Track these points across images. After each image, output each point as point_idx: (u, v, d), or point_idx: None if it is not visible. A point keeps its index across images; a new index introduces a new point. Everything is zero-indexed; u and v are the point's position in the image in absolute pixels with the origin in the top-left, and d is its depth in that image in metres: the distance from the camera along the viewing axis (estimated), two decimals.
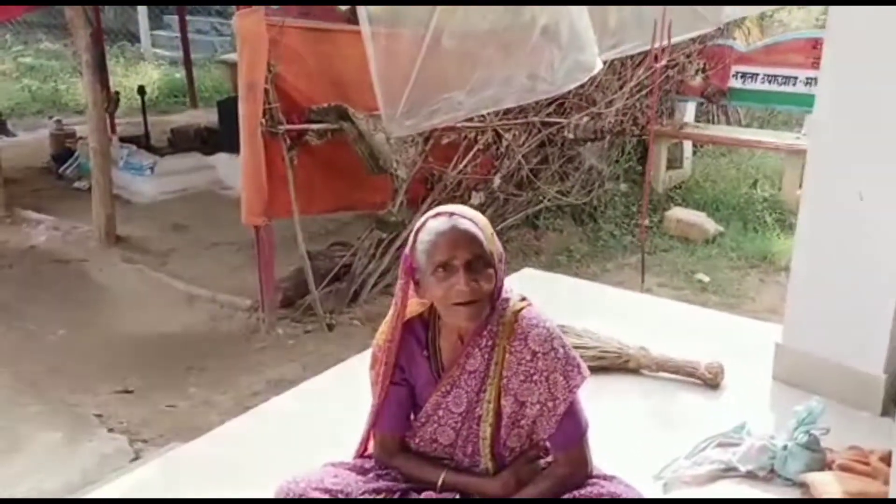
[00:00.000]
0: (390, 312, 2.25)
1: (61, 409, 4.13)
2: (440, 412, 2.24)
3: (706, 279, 5.70)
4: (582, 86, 5.54)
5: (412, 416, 2.32)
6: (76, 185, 7.79)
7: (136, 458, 3.71)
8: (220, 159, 7.94)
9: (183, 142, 8.63)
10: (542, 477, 2.21)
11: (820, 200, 3.00)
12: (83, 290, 5.66)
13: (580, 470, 2.20)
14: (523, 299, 2.23)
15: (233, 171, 7.70)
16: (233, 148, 7.62)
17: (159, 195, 7.49)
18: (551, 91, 4.81)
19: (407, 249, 2.17)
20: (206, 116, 10.07)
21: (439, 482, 2.23)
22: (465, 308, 2.07)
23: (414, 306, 2.26)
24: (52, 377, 4.45)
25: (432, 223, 2.12)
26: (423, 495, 2.22)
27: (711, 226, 6.43)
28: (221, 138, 8.21)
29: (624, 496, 2.08)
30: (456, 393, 2.21)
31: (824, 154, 2.97)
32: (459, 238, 2.07)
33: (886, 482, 2.43)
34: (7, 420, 3.99)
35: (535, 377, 2.14)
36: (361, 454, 2.40)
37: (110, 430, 3.96)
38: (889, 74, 2.76)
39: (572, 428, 2.18)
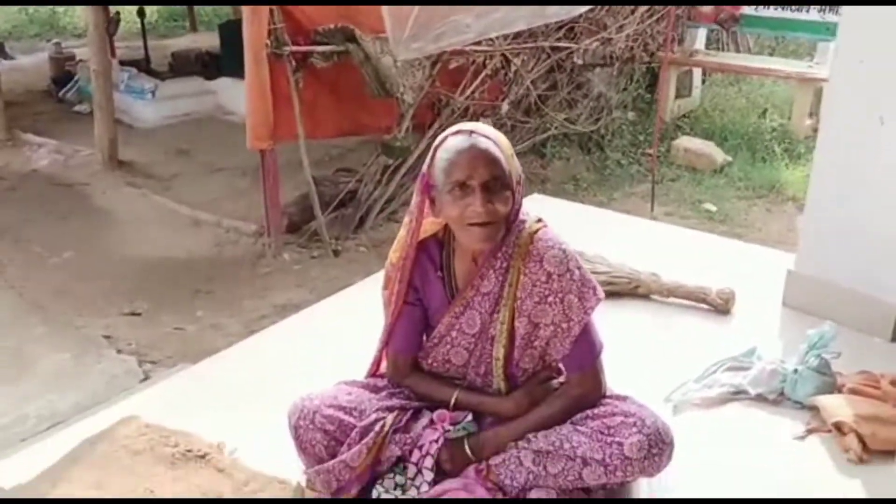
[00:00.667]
0: (403, 231, 2.24)
1: (69, 331, 4.13)
2: (453, 333, 2.24)
3: (713, 209, 5.67)
4: (592, 10, 5.44)
5: (425, 337, 2.32)
6: (76, 108, 7.71)
7: (145, 379, 3.73)
8: (222, 84, 7.85)
9: (183, 66, 8.52)
10: (555, 396, 2.22)
11: (839, 126, 2.95)
12: (87, 213, 5.63)
13: (594, 390, 2.21)
14: (539, 220, 2.21)
15: (235, 95, 7.63)
16: (235, 72, 7.55)
17: (161, 120, 7.41)
18: (562, 14, 4.70)
19: (425, 166, 2.14)
20: (207, 40, 9.92)
21: (452, 401, 2.24)
22: (481, 229, 2.05)
23: (429, 226, 2.24)
24: (59, 299, 4.45)
25: (452, 140, 2.09)
26: (435, 414, 2.24)
27: (719, 155, 6.36)
28: (223, 62, 8.11)
29: (637, 415, 2.08)
30: (469, 314, 2.21)
31: (845, 79, 2.91)
32: (478, 157, 2.04)
33: None
34: (15, 341, 4.00)
35: (549, 298, 2.13)
36: (374, 373, 2.41)
37: (119, 352, 3.97)
38: None
39: (586, 349, 2.18)
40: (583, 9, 4.68)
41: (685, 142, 6.52)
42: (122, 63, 7.93)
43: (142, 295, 4.53)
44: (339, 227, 5.09)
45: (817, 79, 6.63)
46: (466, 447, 2.20)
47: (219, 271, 4.83)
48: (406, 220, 2.23)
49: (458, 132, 2.11)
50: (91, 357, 3.90)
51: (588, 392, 2.20)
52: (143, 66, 8.31)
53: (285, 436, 2.21)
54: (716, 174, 6.23)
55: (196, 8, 11.43)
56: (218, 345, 4.01)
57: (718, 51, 7.90)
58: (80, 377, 3.72)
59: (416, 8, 4.35)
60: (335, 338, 3.06)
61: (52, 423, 3.37)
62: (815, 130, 6.75)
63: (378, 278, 3.69)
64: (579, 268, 2.15)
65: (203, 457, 2.38)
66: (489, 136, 2.09)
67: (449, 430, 2.20)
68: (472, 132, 2.10)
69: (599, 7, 5.46)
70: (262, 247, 5.01)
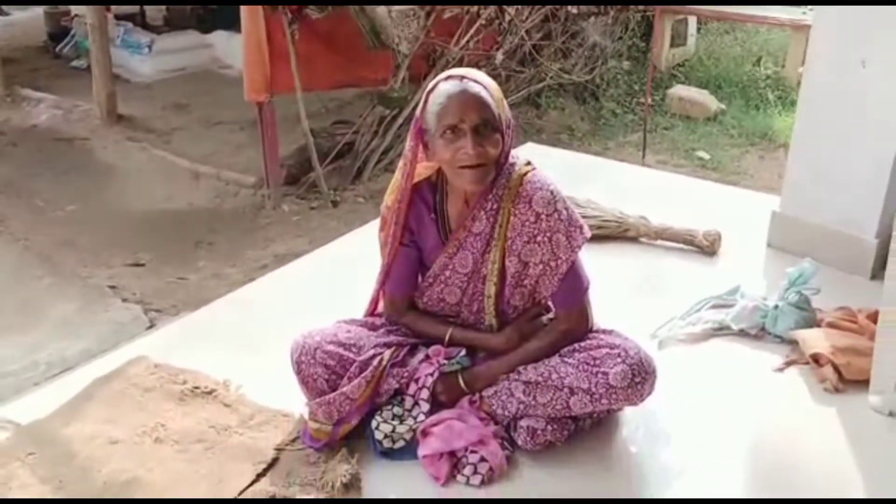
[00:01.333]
0: (397, 174, 2.32)
1: (75, 282, 4.25)
2: (447, 272, 2.34)
3: (706, 156, 5.75)
4: None
5: (420, 277, 2.42)
6: (74, 63, 7.73)
7: (151, 327, 3.85)
8: (219, 37, 7.86)
9: (179, 20, 8.49)
10: (544, 332, 2.32)
11: (822, 69, 3.02)
12: (88, 167, 5.72)
13: (581, 325, 2.31)
14: (528, 163, 2.30)
15: (231, 48, 7.66)
16: (231, 25, 7.57)
17: (158, 74, 7.45)
18: None
19: (417, 111, 2.22)
20: None
21: (446, 337, 2.35)
22: (471, 171, 2.14)
23: (422, 170, 2.33)
24: (64, 251, 4.56)
25: (443, 86, 2.17)
26: (430, 349, 2.34)
27: (713, 103, 6.42)
28: (218, 15, 8.09)
29: (621, 347, 2.19)
30: (462, 254, 2.30)
31: (827, 23, 2.97)
32: (469, 102, 2.12)
33: (872, 338, 2.54)
34: (24, 292, 4.11)
35: (538, 238, 2.23)
36: (371, 313, 2.52)
37: (124, 301, 4.09)
38: None
39: (574, 286, 2.29)
40: None
41: (680, 90, 6.57)
42: (117, 18, 7.94)
43: (144, 246, 4.63)
44: (338, 179, 5.18)
45: (810, 26, 6.64)
46: (461, 380, 2.31)
47: (219, 223, 4.93)
48: (400, 164, 2.31)
49: (449, 77, 2.19)
50: (97, 306, 4.01)
51: (575, 327, 2.31)
52: (138, 20, 8.30)
53: (287, 373, 2.31)
54: (709, 122, 6.30)
55: None
56: (220, 293, 4.10)
57: None
58: (87, 325, 3.84)
59: None
60: (333, 282, 3.15)
61: (63, 369, 3.50)
62: None
63: (373, 225, 3.82)
64: (567, 208, 2.24)
65: (210, 393, 2.49)
66: (479, 81, 2.17)
67: (444, 364, 2.31)
68: (462, 77, 2.17)
69: None
70: (262, 198, 5.11)
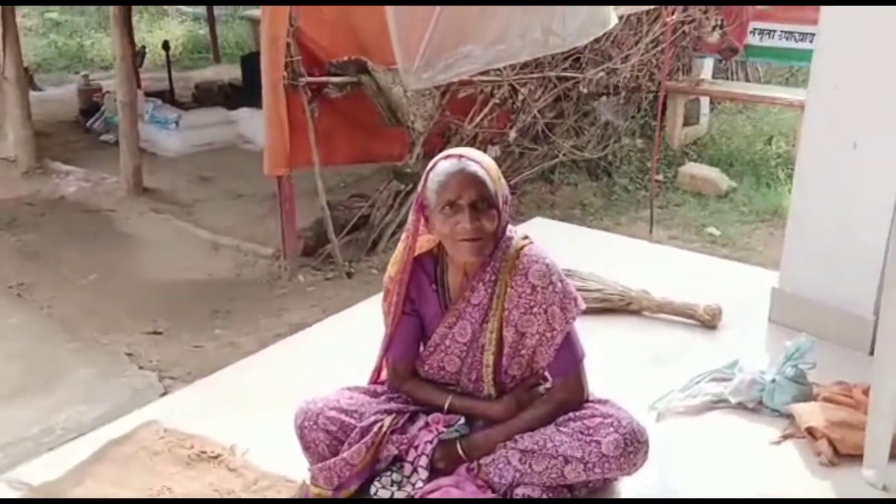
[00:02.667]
0: (400, 247, 2.43)
1: (95, 348, 4.34)
2: (447, 342, 2.42)
3: (717, 233, 5.82)
4: (597, 40, 5.63)
5: (422, 346, 2.50)
6: (103, 137, 7.95)
7: (165, 393, 3.93)
8: (243, 114, 8.07)
9: (207, 97, 8.77)
10: (541, 401, 2.40)
11: (816, 149, 3.12)
12: (112, 238, 5.86)
13: (576, 395, 2.38)
14: (525, 238, 2.41)
15: (255, 125, 7.84)
16: (256, 103, 7.74)
17: (184, 148, 7.64)
18: (563, 46, 4.90)
19: (419, 187, 2.34)
20: (230, 72, 10.18)
21: (446, 405, 2.42)
22: (470, 244, 2.25)
23: (424, 243, 2.44)
24: (86, 318, 4.66)
25: (443, 164, 2.29)
26: (430, 417, 2.41)
27: (724, 181, 6.51)
28: (244, 93, 8.34)
29: (614, 416, 2.25)
30: (461, 324, 2.39)
31: (821, 104, 3.08)
32: (466, 180, 2.24)
33: (867, 413, 2.58)
34: (45, 356, 4.21)
35: (534, 309, 2.32)
36: (375, 380, 2.60)
37: (141, 368, 4.17)
38: (885, 28, 2.86)
39: (569, 356, 2.36)
40: (584, 40, 4.87)
41: (691, 168, 6.69)
42: (147, 94, 8.20)
43: (164, 314, 4.73)
44: (353, 250, 5.29)
45: None
46: (459, 448, 2.37)
47: (237, 292, 5.03)
48: (403, 236, 2.42)
49: (448, 156, 2.32)
50: (115, 372, 4.10)
51: (571, 397, 2.38)
52: (167, 97, 8.56)
53: (292, 438, 2.39)
54: (720, 199, 6.38)
55: (220, 41, 11.75)
56: (234, 361, 4.22)
57: (727, 80, 8.08)
58: (105, 390, 3.91)
59: (426, 40, 4.57)
60: (342, 349, 3.24)
61: (78, 435, 3.59)
62: None
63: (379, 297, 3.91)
64: (561, 281, 2.34)
65: (216, 457, 2.56)
66: (477, 160, 2.29)
67: (443, 432, 2.37)
68: (461, 156, 2.30)
69: (603, 38, 5.65)
70: (279, 269, 5.21)
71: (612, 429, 2.22)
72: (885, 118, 2.90)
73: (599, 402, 2.39)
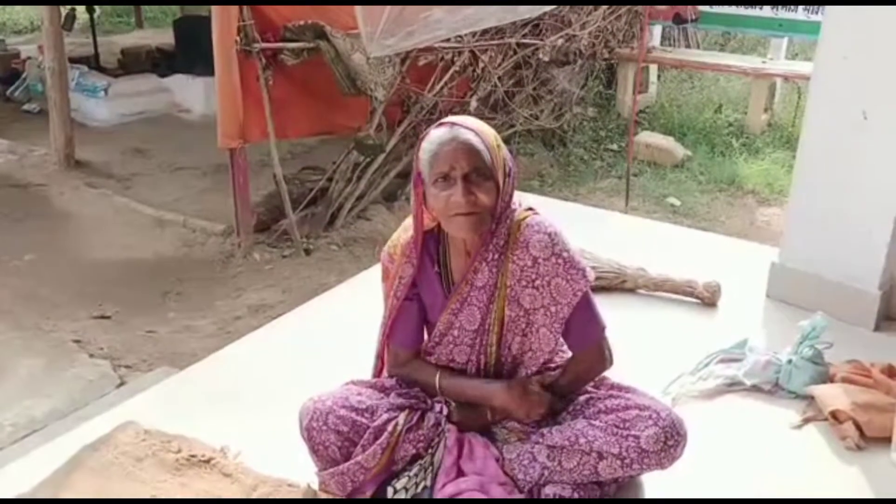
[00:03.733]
0: (406, 224, 2.23)
1: (39, 336, 4.04)
2: (454, 332, 2.24)
3: (677, 203, 5.77)
4: (558, 7, 5.47)
5: (426, 335, 2.31)
6: (25, 107, 7.52)
7: (121, 384, 3.66)
8: (177, 81, 7.73)
9: (134, 63, 8.37)
10: (561, 374, 2.26)
11: (822, 121, 3.01)
12: (46, 215, 5.50)
13: (598, 363, 2.25)
14: (529, 209, 2.22)
15: (190, 93, 7.55)
16: (190, 69, 7.47)
17: (115, 118, 7.27)
18: (532, 11, 4.73)
19: (414, 161, 2.14)
20: (156, 37, 9.75)
21: (437, 383, 2.25)
22: (464, 218, 2.06)
23: (426, 222, 2.24)
24: (25, 303, 4.34)
25: (434, 133, 2.10)
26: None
27: (679, 150, 6.47)
28: (178, 59, 7.98)
29: (652, 408, 2.11)
30: (469, 311, 2.21)
31: (829, 75, 2.97)
32: (459, 149, 2.04)
33: (889, 393, 2.51)
34: None
35: (536, 283, 2.14)
36: (380, 372, 2.40)
37: (91, 356, 3.89)
38: None
39: (588, 326, 2.22)
40: (550, 7, 4.70)
41: (646, 137, 6.62)
42: (71, 61, 7.72)
43: (110, 298, 4.44)
44: (310, 226, 5.05)
45: (772, 74, 6.78)
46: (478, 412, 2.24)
47: (188, 272, 4.76)
48: (410, 217, 2.22)
49: (441, 124, 2.12)
50: (63, 362, 3.81)
51: (592, 366, 2.25)
52: (92, 63, 8.12)
53: (287, 438, 2.20)
54: (677, 169, 6.34)
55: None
56: (192, 346, 3.97)
57: (671, 46, 8.03)
58: (55, 383, 3.64)
59: (389, 5, 4.33)
60: (316, 339, 3.05)
61: (30, 431, 3.30)
62: (771, 125, 6.97)
63: (356, 279, 3.71)
64: (567, 250, 2.14)
65: (207, 461, 2.33)
66: (472, 128, 2.09)
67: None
68: (454, 124, 2.10)
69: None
70: (232, 247, 4.95)
71: (650, 422, 2.08)
72: (895, 89, 2.81)
73: (625, 389, 2.25)
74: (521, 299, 2.16)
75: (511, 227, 2.16)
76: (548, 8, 4.86)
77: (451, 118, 2.16)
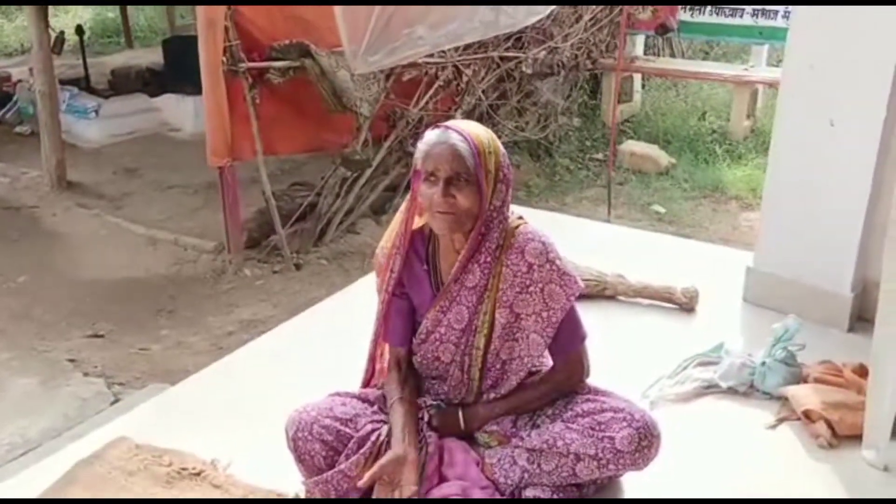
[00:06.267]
0: (398, 218, 2.32)
1: (33, 355, 4.10)
2: (441, 329, 2.31)
3: (662, 210, 5.84)
4: (540, 20, 5.56)
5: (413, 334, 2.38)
6: (17, 129, 7.58)
7: (116, 401, 3.72)
8: (167, 100, 7.80)
9: (124, 83, 8.43)
10: (540, 381, 2.33)
11: (791, 128, 3.09)
12: (39, 236, 5.56)
13: (577, 373, 2.33)
14: (520, 218, 2.31)
15: (180, 112, 7.62)
16: (179, 88, 7.54)
17: (106, 138, 7.33)
18: (514, 25, 4.82)
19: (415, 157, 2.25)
20: (146, 56, 9.81)
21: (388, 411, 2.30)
22: (442, 216, 2.16)
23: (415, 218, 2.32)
24: (19, 323, 4.41)
25: (429, 134, 2.21)
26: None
27: (664, 158, 6.55)
28: (167, 79, 8.04)
29: (626, 410, 2.18)
30: (457, 309, 2.28)
31: (796, 82, 3.05)
32: (444, 153, 2.14)
33: (860, 392, 2.58)
34: None
35: (530, 288, 2.23)
36: (367, 383, 2.46)
37: (85, 374, 3.95)
38: (860, 5, 2.85)
39: (571, 334, 2.30)
40: (534, 18, 4.78)
41: (631, 145, 6.70)
42: (62, 82, 7.79)
43: (103, 316, 4.50)
44: (300, 241, 5.12)
45: (753, 81, 6.88)
46: (460, 416, 2.31)
47: (180, 289, 4.82)
48: (403, 207, 2.32)
49: (437, 126, 2.22)
50: (59, 381, 3.87)
51: (571, 377, 2.32)
52: (83, 84, 8.18)
53: (275, 450, 2.26)
54: (661, 176, 6.42)
55: (132, 24, 11.28)
56: (185, 363, 4.03)
57: (655, 56, 8.12)
58: (49, 401, 3.69)
59: (372, 22, 4.41)
60: (306, 351, 3.10)
61: (25, 450, 3.36)
62: (753, 131, 7.06)
63: (345, 293, 3.77)
64: (559, 259, 2.25)
65: (198, 474, 2.39)
66: (462, 132, 2.17)
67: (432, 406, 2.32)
68: (447, 128, 2.19)
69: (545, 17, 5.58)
70: (223, 263, 5.01)
71: (624, 423, 2.15)
72: (861, 95, 2.89)
73: (601, 393, 2.32)
74: (513, 305, 2.24)
75: (505, 232, 2.24)
76: (530, 21, 4.93)
77: (450, 122, 2.25)
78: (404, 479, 2.13)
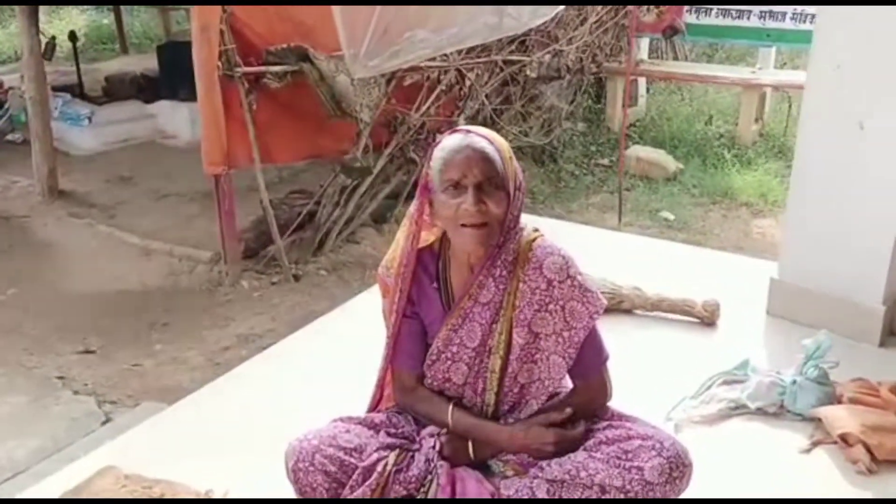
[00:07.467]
0: (400, 236, 2.17)
1: (21, 373, 3.94)
2: (453, 348, 2.15)
3: (671, 217, 5.69)
4: (544, 22, 5.42)
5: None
6: (9, 137, 7.41)
7: (107, 421, 3.56)
8: (161, 107, 7.65)
9: (118, 90, 8.27)
10: (561, 405, 2.15)
11: (817, 132, 2.95)
12: (29, 246, 5.39)
13: (599, 396, 2.18)
14: (536, 230, 2.15)
15: (175, 119, 7.46)
16: (174, 95, 7.39)
17: (99, 146, 7.17)
18: (518, 28, 4.67)
19: (425, 168, 2.07)
20: (140, 63, 9.64)
21: (449, 419, 2.15)
22: (473, 230, 2.00)
23: (424, 236, 2.17)
24: (7, 338, 4.25)
25: (447, 140, 2.05)
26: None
27: (671, 163, 6.40)
28: (161, 85, 7.90)
29: (654, 438, 2.02)
30: (469, 326, 2.12)
31: (822, 85, 2.90)
32: (472, 157, 1.98)
33: None
34: None
35: (550, 307, 2.07)
36: (374, 407, 2.30)
37: (76, 392, 3.79)
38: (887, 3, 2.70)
39: (593, 356, 2.15)
40: (538, 21, 4.64)
41: (637, 151, 6.55)
42: (54, 89, 7.63)
43: (94, 331, 4.34)
44: (298, 251, 4.96)
45: (761, 84, 6.73)
46: (469, 445, 2.14)
47: (175, 302, 4.66)
48: (405, 223, 2.15)
49: (454, 132, 2.07)
50: (47, 400, 3.71)
51: (592, 398, 2.17)
52: (76, 91, 8.02)
53: (271, 478, 2.13)
54: (669, 182, 6.27)
55: (127, 30, 11.13)
56: (179, 379, 3.87)
57: (659, 59, 7.99)
58: (38, 421, 3.53)
59: (373, 24, 4.27)
60: (310, 372, 2.95)
61: (13, 473, 3.19)
62: (762, 136, 6.91)
63: (347, 307, 3.62)
64: (580, 274, 2.10)
65: None
66: (485, 136, 2.04)
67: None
68: (468, 131, 2.05)
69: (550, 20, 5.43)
70: (219, 274, 4.85)
71: (653, 452, 1.99)
72: (891, 97, 2.74)
73: (625, 418, 2.16)
74: (531, 324, 2.08)
75: (521, 245, 2.09)
76: (534, 24, 4.78)
77: (465, 126, 2.11)
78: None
